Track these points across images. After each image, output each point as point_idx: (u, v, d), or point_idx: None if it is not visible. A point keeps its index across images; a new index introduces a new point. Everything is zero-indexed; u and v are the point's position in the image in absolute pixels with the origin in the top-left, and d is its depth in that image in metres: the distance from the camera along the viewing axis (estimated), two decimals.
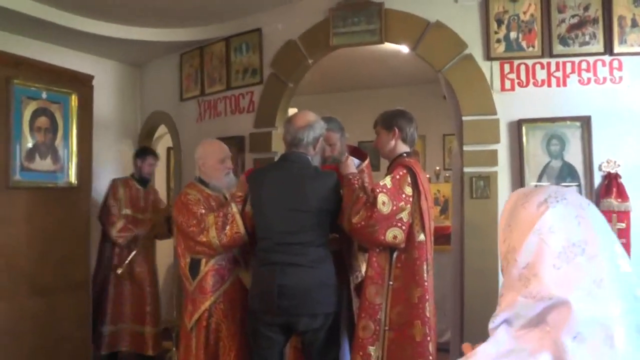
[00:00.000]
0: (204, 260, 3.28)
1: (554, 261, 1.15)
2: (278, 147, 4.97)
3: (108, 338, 5.00)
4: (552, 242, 1.16)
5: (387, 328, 2.89)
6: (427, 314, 2.83)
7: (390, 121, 3.12)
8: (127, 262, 4.99)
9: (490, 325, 1.23)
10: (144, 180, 5.32)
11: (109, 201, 5.08)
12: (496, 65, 4.17)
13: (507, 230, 1.26)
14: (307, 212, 2.94)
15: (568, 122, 4.03)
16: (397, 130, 3.08)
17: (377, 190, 2.83)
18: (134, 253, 5.01)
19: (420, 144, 8.34)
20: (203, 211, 3.23)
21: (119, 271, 4.95)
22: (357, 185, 2.96)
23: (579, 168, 4.00)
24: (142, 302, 5.11)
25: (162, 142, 7.10)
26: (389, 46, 4.72)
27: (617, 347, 1.08)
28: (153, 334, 5.12)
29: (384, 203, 2.80)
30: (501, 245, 1.28)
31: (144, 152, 5.42)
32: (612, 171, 3.91)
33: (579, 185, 3.98)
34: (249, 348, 3.25)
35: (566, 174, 4.02)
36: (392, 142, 3.11)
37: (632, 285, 1.15)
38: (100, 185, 5.78)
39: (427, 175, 8.04)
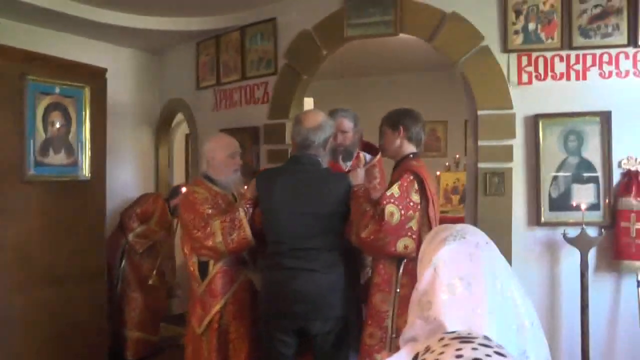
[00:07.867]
0: (211, 262, 3.24)
1: (442, 291, 1.32)
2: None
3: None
4: (443, 274, 1.33)
5: (394, 336, 2.84)
6: None
7: (395, 120, 3.05)
8: (155, 270, 5.17)
9: (400, 342, 1.41)
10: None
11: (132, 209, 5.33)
12: (513, 57, 4.05)
13: (419, 262, 1.46)
14: (321, 215, 2.91)
15: (587, 118, 3.90)
16: (402, 129, 3.02)
17: (385, 202, 2.75)
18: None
19: (441, 130, 8.23)
20: (210, 211, 3.17)
21: (151, 282, 5.11)
22: (362, 199, 2.88)
23: (597, 165, 3.88)
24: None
25: (181, 129, 7.13)
26: None
27: None
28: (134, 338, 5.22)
29: (392, 214, 2.73)
30: (417, 275, 1.46)
31: None
32: (633, 169, 3.80)
33: (596, 183, 3.87)
34: (258, 349, 3.24)
35: (583, 170, 3.90)
36: (398, 142, 3.04)
37: (520, 315, 1.34)
38: (118, 173, 5.84)
39: (447, 163, 7.93)
